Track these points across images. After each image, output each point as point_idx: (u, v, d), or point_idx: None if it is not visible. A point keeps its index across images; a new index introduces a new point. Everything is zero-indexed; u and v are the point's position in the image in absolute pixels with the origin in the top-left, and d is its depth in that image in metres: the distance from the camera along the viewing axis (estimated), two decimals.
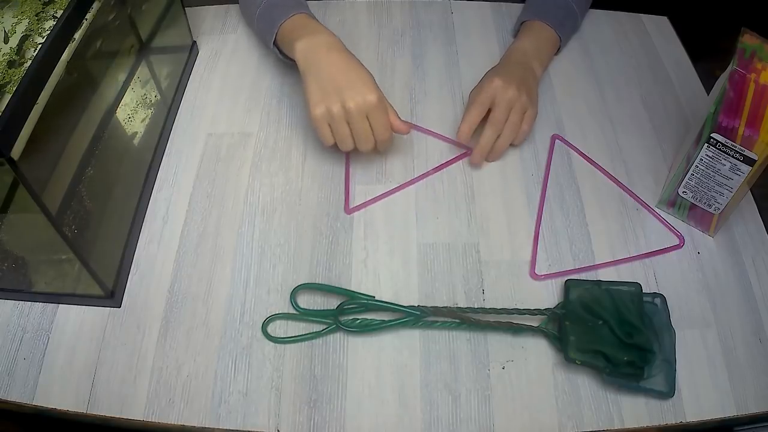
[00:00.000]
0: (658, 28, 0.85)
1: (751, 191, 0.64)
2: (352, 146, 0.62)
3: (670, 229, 0.63)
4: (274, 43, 0.70)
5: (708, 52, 0.91)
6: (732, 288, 0.59)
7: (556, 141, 0.71)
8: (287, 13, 0.69)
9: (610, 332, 0.53)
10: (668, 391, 0.51)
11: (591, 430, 0.51)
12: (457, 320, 0.55)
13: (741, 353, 0.55)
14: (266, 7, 0.72)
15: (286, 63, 0.72)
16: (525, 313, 0.55)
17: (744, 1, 1.23)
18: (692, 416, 0.52)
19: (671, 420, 0.51)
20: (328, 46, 0.63)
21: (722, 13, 1.28)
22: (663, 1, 0.87)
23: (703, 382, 0.53)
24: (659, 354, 0.53)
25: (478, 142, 0.66)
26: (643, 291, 0.56)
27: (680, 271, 0.60)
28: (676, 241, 0.62)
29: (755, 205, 0.65)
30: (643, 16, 0.86)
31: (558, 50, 0.79)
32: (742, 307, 0.58)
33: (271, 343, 0.55)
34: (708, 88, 0.77)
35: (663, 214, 0.64)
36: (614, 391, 0.53)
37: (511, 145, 0.69)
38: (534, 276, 0.59)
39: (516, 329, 0.55)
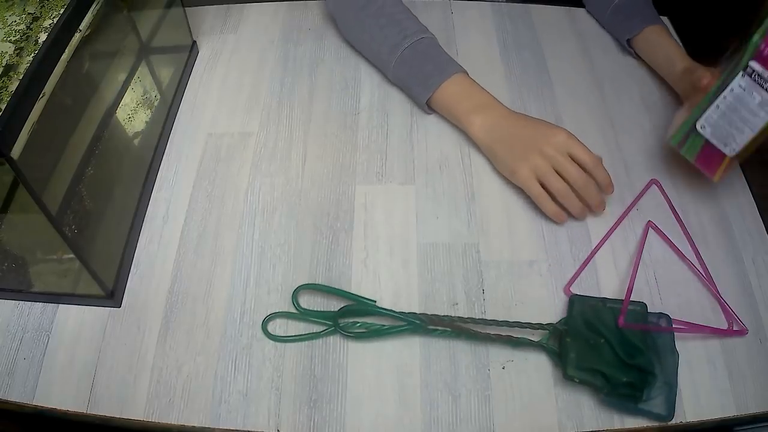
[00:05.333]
0: None
1: (751, 191, 0.64)
2: (575, 199, 0.61)
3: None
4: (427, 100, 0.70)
5: (708, 52, 0.91)
6: (732, 288, 0.59)
7: None
8: (445, 71, 0.68)
9: (611, 351, 0.52)
10: (667, 415, 0.50)
11: (591, 430, 0.51)
12: (458, 331, 0.55)
13: (741, 353, 0.55)
14: (412, 54, 0.70)
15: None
16: (526, 327, 0.55)
17: (744, 1, 1.23)
18: (692, 416, 0.51)
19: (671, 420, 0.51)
20: (503, 115, 0.65)
21: (722, 13, 1.28)
22: (663, 1, 0.87)
23: (703, 382, 0.53)
24: (660, 376, 0.52)
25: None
26: (648, 310, 0.55)
27: (681, 273, 0.60)
28: None
29: (755, 205, 0.65)
30: None
31: None
32: (741, 308, 0.58)
33: (271, 343, 0.55)
34: None
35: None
36: None
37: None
38: (567, 292, 0.58)
39: (515, 342, 0.54)
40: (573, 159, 0.60)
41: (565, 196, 0.61)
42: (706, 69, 0.63)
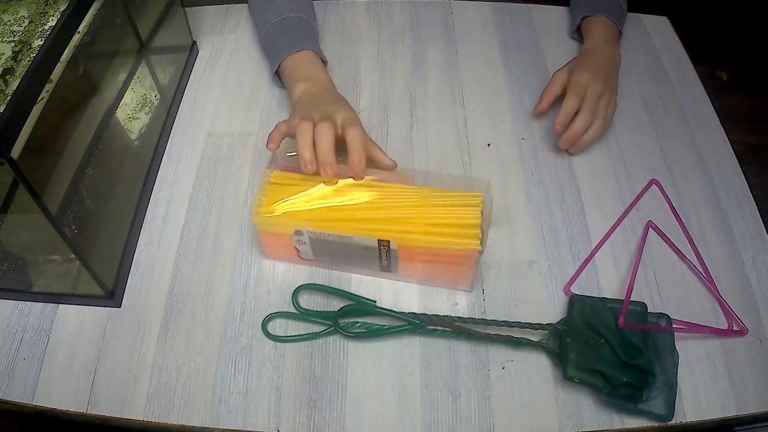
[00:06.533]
0: (658, 28, 0.85)
1: (751, 191, 0.64)
2: (309, 144, 0.54)
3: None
4: (276, 71, 0.72)
5: (708, 52, 0.91)
6: (732, 288, 0.59)
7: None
8: (292, 47, 0.70)
9: (611, 352, 0.52)
10: (667, 415, 0.50)
11: (591, 430, 0.51)
12: (458, 331, 0.55)
13: (741, 353, 0.55)
14: (274, 31, 0.73)
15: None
16: (526, 327, 0.55)
17: (744, 1, 1.23)
18: (692, 416, 0.52)
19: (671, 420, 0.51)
20: (324, 88, 0.67)
21: (722, 13, 1.28)
22: (663, 1, 0.87)
23: (703, 382, 0.53)
24: (660, 376, 0.52)
25: (570, 128, 0.66)
26: (648, 310, 0.55)
27: (680, 273, 0.60)
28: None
29: (755, 205, 0.65)
30: (643, 16, 0.86)
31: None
32: (741, 308, 0.58)
33: (271, 343, 0.55)
34: (708, 88, 0.77)
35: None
36: None
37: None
38: (567, 292, 0.58)
39: (516, 342, 0.54)
40: (343, 135, 0.56)
41: (304, 142, 0.54)
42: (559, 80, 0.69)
